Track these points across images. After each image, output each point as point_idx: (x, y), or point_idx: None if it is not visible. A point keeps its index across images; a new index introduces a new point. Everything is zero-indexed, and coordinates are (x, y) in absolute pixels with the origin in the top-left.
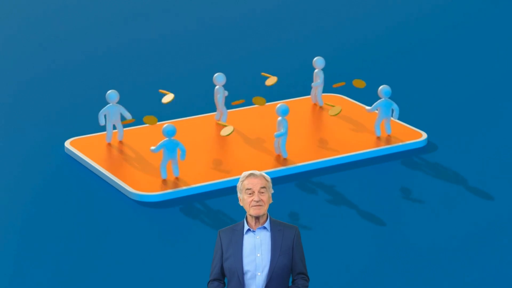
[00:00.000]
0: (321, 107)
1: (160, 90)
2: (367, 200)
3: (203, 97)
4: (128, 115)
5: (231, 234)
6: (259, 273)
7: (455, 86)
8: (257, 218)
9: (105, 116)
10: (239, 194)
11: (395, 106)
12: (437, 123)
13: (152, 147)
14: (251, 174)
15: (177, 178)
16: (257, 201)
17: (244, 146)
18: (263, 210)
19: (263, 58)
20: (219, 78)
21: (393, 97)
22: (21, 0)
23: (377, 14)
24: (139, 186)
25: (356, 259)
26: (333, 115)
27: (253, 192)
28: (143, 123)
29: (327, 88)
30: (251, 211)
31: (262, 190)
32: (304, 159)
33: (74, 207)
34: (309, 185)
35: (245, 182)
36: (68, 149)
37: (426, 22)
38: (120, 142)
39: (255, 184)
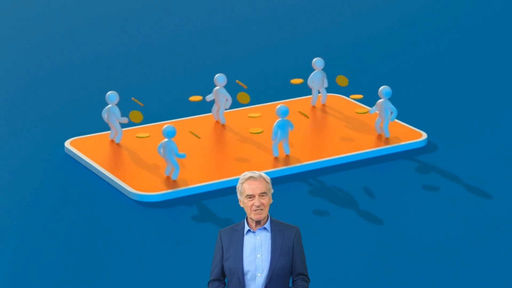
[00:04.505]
0: (323, 104)
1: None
2: (367, 200)
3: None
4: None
5: (232, 234)
6: (259, 274)
7: (455, 86)
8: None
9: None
10: (239, 196)
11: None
12: (437, 123)
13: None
14: (250, 177)
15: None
16: (258, 206)
17: (244, 146)
18: (264, 214)
19: (263, 58)
20: (220, 79)
21: (393, 97)
22: (21, 0)
23: (376, 14)
24: (139, 186)
25: (357, 259)
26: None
27: (253, 196)
28: (142, 123)
29: (328, 88)
30: (252, 216)
31: (263, 194)
32: (303, 159)
33: (74, 207)
34: (308, 185)
35: (245, 185)
36: (68, 149)
37: (426, 22)
38: (119, 144)
39: (255, 188)
